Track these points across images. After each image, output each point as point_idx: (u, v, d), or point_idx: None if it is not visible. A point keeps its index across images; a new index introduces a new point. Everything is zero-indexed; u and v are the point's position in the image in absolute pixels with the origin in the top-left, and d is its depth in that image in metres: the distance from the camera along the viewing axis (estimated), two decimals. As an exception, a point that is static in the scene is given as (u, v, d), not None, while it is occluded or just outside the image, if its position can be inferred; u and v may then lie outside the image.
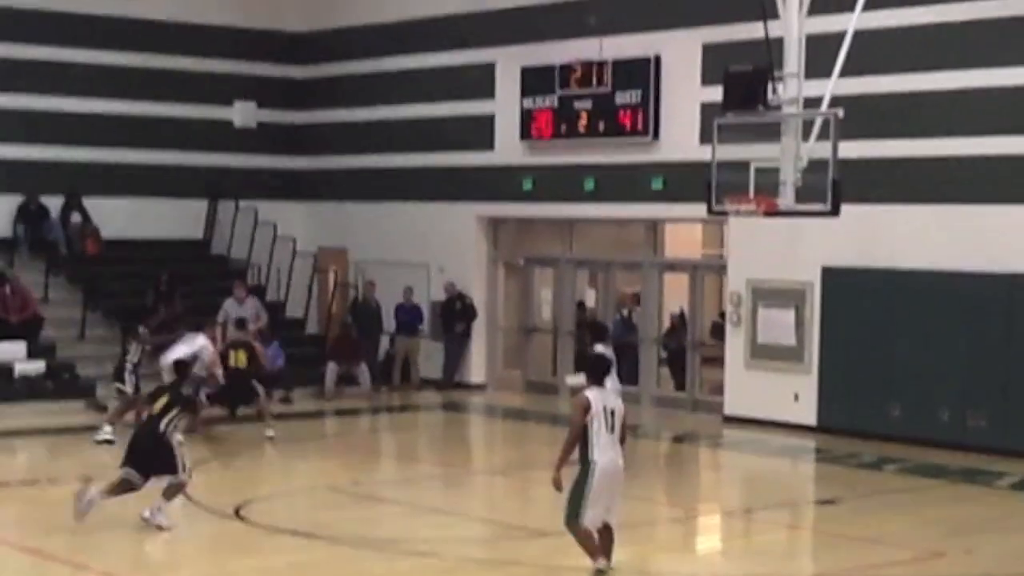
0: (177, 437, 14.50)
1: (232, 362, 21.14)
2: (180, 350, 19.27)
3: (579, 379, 17.28)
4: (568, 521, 12.09)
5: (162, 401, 14.58)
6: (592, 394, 12.15)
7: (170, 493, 14.40)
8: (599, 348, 16.87)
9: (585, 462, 12.04)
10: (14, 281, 24.88)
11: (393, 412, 24.95)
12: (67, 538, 14.24)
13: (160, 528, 14.14)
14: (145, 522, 14.12)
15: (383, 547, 13.89)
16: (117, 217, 27.22)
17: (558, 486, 12.11)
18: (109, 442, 18.94)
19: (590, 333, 18.78)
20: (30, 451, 20.12)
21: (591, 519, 12.01)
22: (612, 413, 12.11)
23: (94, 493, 14.19)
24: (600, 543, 12.21)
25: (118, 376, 20.50)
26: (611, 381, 12.45)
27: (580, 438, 12.04)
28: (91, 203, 27.24)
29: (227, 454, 19.45)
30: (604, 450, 12.00)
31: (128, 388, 20.26)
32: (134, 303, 25.08)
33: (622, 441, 12.23)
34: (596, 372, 12.49)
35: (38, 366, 23.82)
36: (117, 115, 27.64)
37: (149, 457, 14.30)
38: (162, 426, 14.36)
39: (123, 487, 14.31)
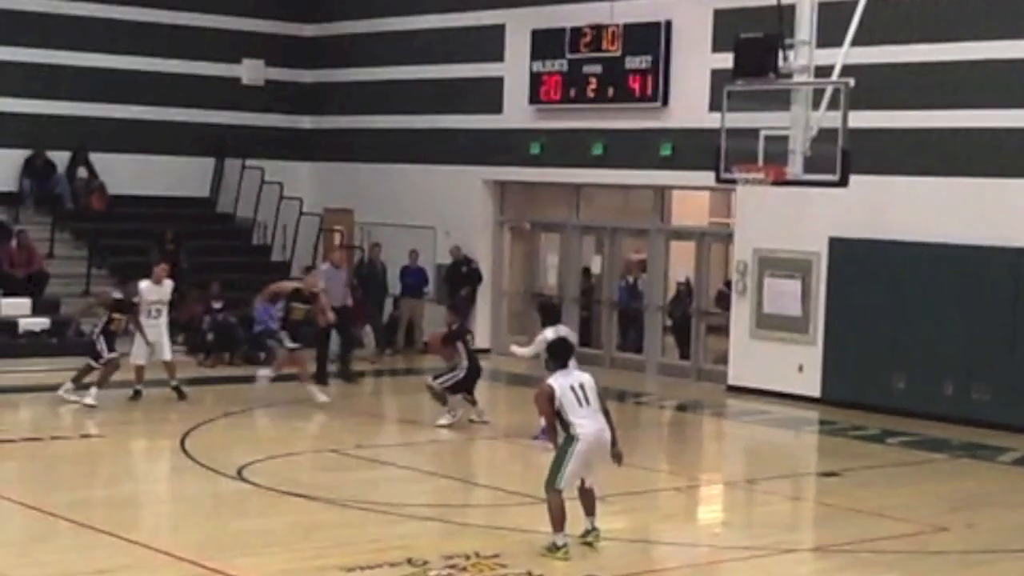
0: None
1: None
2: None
3: (524, 350, 18.13)
4: (547, 484, 12.30)
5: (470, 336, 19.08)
6: (555, 380, 12.40)
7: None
8: (549, 332, 16.74)
9: (568, 437, 12.33)
10: (20, 235, 24.87)
11: (397, 375, 24.93)
12: (69, 495, 14.30)
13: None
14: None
15: (385, 510, 13.89)
16: (123, 173, 27.19)
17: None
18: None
19: (541, 316, 18.52)
20: (33, 407, 20.11)
21: (568, 481, 12.25)
22: (582, 387, 12.37)
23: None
24: (583, 502, 12.53)
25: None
26: (571, 362, 12.90)
27: (556, 421, 12.36)
28: (98, 159, 27.22)
29: (230, 414, 19.46)
30: (584, 423, 12.27)
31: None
32: (139, 260, 25.04)
33: (605, 411, 12.46)
34: (560, 356, 12.83)
35: (43, 322, 23.84)
36: (125, 70, 27.57)
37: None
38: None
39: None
